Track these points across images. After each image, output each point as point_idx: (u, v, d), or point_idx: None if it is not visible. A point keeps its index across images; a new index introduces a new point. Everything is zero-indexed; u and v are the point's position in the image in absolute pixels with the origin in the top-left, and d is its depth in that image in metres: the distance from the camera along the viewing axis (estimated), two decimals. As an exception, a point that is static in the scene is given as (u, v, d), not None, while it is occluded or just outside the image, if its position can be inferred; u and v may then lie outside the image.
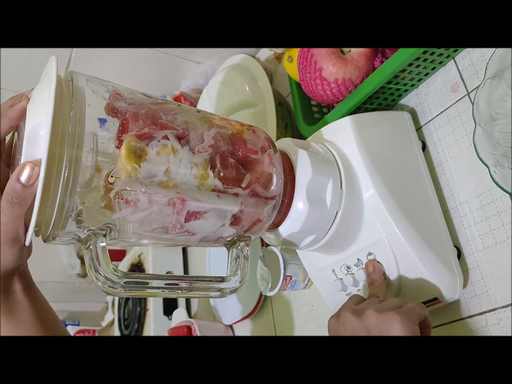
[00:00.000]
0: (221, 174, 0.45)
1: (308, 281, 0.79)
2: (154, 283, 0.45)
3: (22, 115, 0.42)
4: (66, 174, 0.38)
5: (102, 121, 0.42)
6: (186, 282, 0.46)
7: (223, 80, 0.97)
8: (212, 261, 1.11)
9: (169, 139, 0.43)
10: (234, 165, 0.46)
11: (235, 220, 0.47)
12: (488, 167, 0.49)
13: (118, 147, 0.41)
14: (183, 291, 0.46)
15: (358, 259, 0.57)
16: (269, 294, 0.78)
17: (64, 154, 0.39)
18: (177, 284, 0.46)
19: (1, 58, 0.99)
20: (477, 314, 0.54)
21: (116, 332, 1.36)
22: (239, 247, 0.50)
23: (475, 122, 0.50)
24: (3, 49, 0.95)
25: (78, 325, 1.68)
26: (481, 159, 0.49)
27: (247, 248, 0.50)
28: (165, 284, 0.45)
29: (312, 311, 0.79)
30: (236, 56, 0.97)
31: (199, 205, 0.45)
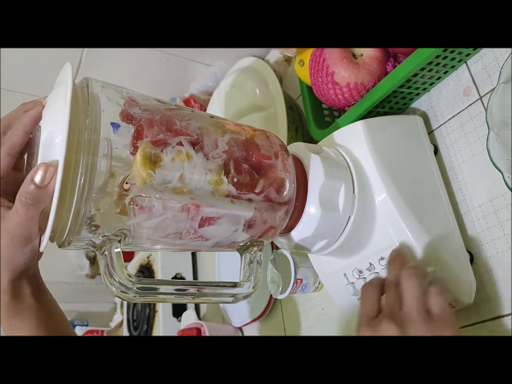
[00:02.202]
0: (235, 179, 0.45)
1: (319, 284, 0.79)
2: (167, 288, 0.45)
3: (36, 121, 0.43)
4: (82, 181, 0.39)
5: (115, 125, 0.42)
6: (200, 288, 0.46)
7: (233, 83, 0.97)
8: (222, 261, 1.11)
9: (183, 145, 0.43)
10: (248, 171, 0.46)
11: (249, 225, 0.47)
12: (501, 173, 0.49)
13: (133, 153, 0.41)
14: (197, 297, 0.46)
15: (370, 263, 0.57)
16: (279, 297, 0.78)
17: (80, 161, 0.39)
18: (190, 290, 0.46)
19: (7, 58, 0.99)
20: (490, 319, 0.54)
21: (125, 333, 1.36)
22: (252, 252, 0.50)
23: (488, 127, 0.50)
24: (9, 49, 0.95)
25: (86, 325, 1.68)
26: (494, 165, 0.49)
27: (260, 253, 0.50)
28: (179, 290, 0.45)
29: (323, 314, 0.79)
30: (246, 59, 0.97)
31: (213, 210, 0.45)
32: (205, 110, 1.07)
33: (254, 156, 0.48)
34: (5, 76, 1.03)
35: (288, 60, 0.98)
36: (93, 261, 1.71)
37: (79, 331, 1.59)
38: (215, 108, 1.02)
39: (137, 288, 0.43)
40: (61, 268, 1.72)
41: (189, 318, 1.11)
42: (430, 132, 0.63)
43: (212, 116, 0.50)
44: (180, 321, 1.16)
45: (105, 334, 1.60)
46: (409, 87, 0.61)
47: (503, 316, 0.53)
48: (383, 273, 0.55)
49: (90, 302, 1.79)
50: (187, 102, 1.12)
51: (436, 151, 0.62)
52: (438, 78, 0.62)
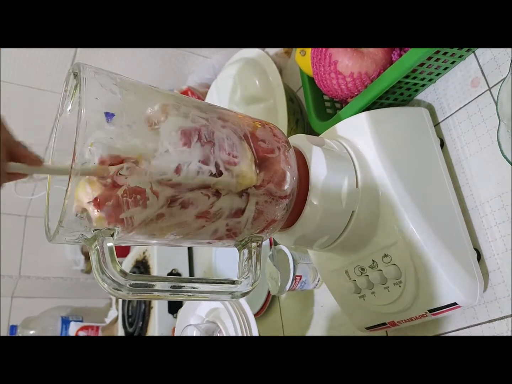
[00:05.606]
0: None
1: (318, 281, 0.77)
2: (162, 285, 0.43)
3: None
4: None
5: (109, 115, 0.40)
6: (196, 285, 0.44)
7: (232, 75, 0.94)
8: (218, 257, 1.09)
9: (180, 136, 0.41)
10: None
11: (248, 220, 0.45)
12: (512, 166, 0.47)
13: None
14: (192, 294, 0.44)
15: (373, 260, 0.55)
16: (277, 294, 0.76)
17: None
18: (185, 287, 0.44)
19: (7, 53, 0.99)
20: (498, 319, 0.52)
21: (120, 330, 1.34)
22: (250, 248, 0.48)
23: (499, 118, 0.48)
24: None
25: (81, 321, 1.66)
26: (505, 157, 0.47)
27: (259, 249, 0.48)
28: (174, 287, 0.43)
29: (322, 312, 0.78)
30: (245, 50, 0.94)
31: (210, 203, 0.43)
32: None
33: (257, 149, 0.45)
34: (4, 69, 1.03)
35: (288, 52, 0.96)
36: (88, 256, 1.69)
37: (74, 326, 1.58)
38: (214, 100, 0.99)
39: (130, 285, 0.40)
40: (55, 263, 1.71)
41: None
42: (436, 124, 0.61)
43: (210, 105, 0.48)
44: (176, 317, 1.15)
45: (100, 330, 1.59)
46: (414, 78, 0.59)
47: (511, 315, 0.51)
48: (386, 271, 0.53)
49: (85, 297, 1.78)
50: (184, 94, 1.10)
51: (442, 144, 0.60)
52: (445, 69, 0.59)
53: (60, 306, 1.70)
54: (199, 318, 0.82)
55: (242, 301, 0.74)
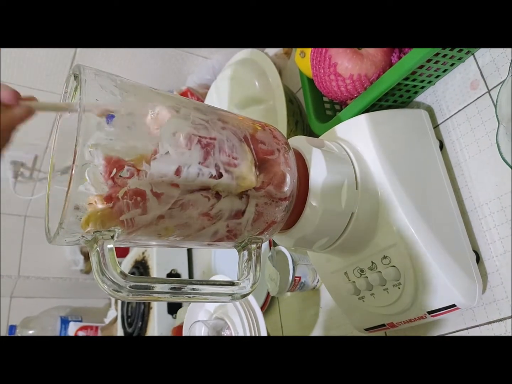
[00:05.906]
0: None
1: (318, 282, 0.77)
2: (162, 287, 0.43)
3: None
4: (73, 172, 0.37)
5: (110, 117, 0.41)
6: (196, 286, 0.44)
7: (232, 76, 0.94)
8: (217, 257, 1.09)
9: (181, 138, 0.41)
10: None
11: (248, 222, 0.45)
12: (511, 168, 0.47)
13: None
14: (192, 296, 0.44)
15: (372, 262, 0.55)
16: (277, 295, 0.76)
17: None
18: (185, 288, 0.44)
19: (6, 53, 0.99)
20: (497, 321, 0.52)
21: (119, 330, 1.34)
22: (250, 250, 0.48)
23: (498, 121, 0.48)
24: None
25: (81, 321, 1.66)
26: (504, 160, 0.47)
27: (259, 251, 0.48)
28: (173, 289, 0.43)
29: (321, 313, 0.78)
30: (245, 51, 0.94)
31: (210, 205, 0.43)
32: (202, 104, 1.05)
33: (257, 151, 0.46)
34: (4, 69, 1.03)
35: (287, 52, 0.96)
36: (87, 256, 1.69)
37: (73, 326, 1.58)
38: (213, 101, 0.99)
39: (130, 286, 0.40)
40: (55, 263, 1.71)
41: (184, 315, 1.10)
42: (436, 126, 0.61)
43: (211, 107, 0.48)
44: (175, 318, 1.15)
45: (99, 330, 1.59)
46: (414, 80, 0.59)
47: (510, 317, 0.51)
48: (385, 272, 0.53)
49: (85, 297, 1.78)
50: (184, 95, 1.10)
51: (441, 146, 0.60)
52: (445, 71, 0.59)
53: (59, 306, 1.70)
54: (208, 312, 0.82)
55: (250, 297, 0.75)
